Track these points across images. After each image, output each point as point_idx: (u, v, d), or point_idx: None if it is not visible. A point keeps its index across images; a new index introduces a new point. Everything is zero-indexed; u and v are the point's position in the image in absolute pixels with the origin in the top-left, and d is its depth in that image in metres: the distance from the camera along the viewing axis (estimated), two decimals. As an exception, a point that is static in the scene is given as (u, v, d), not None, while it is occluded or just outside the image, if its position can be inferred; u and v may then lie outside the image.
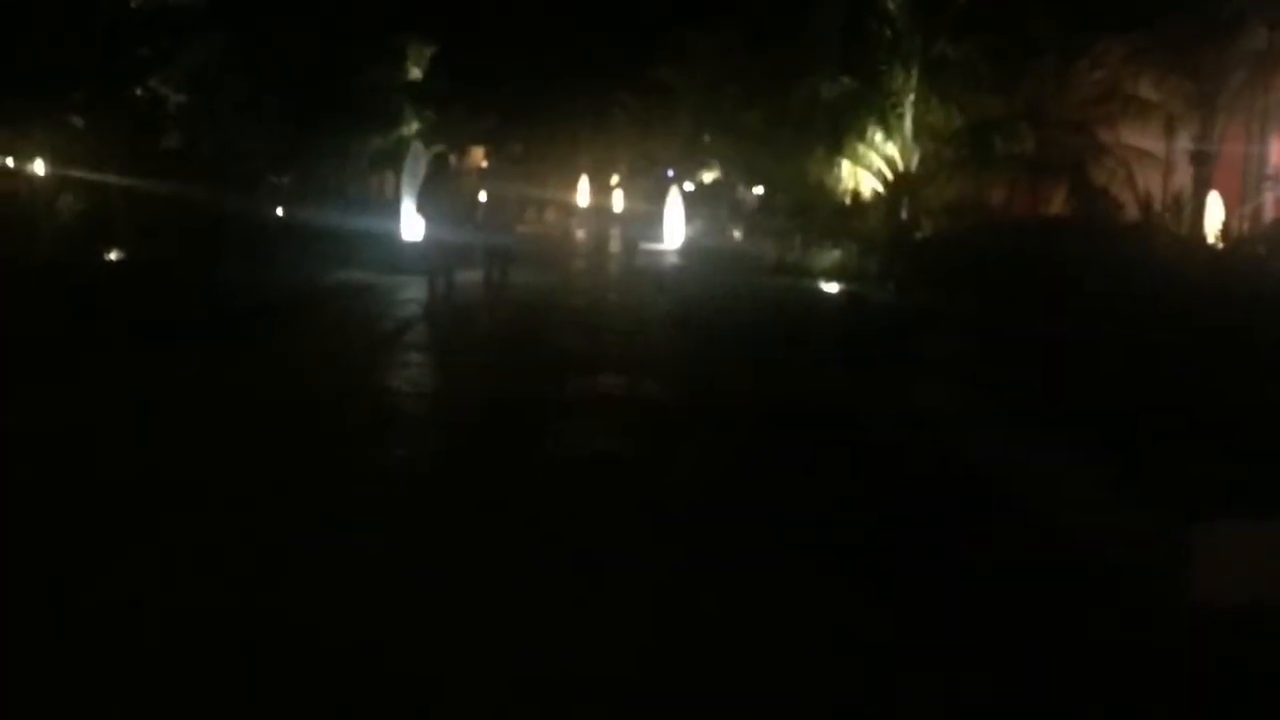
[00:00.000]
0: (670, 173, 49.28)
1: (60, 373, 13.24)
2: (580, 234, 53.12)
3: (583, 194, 67.25)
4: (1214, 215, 25.66)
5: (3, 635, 5.93)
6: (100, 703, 5.35)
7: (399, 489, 9.20)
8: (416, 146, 31.60)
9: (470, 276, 23.32)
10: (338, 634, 6.07)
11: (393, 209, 30.46)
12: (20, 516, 8.02)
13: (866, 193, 30.80)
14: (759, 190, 42.30)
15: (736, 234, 40.12)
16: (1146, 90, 27.57)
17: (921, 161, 29.34)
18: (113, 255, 23.90)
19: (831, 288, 25.41)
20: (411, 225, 26.75)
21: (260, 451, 10.22)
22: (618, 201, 62.56)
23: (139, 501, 8.39)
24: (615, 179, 66.97)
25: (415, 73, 36.01)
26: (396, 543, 7.70)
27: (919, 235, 28.06)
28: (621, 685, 5.62)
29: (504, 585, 6.93)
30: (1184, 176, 27.30)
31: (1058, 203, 28.02)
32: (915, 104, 28.79)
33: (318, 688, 5.51)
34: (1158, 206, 25.47)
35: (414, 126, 35.42)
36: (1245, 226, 25.53)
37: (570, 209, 64.30)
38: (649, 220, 43.52)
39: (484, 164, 55.25)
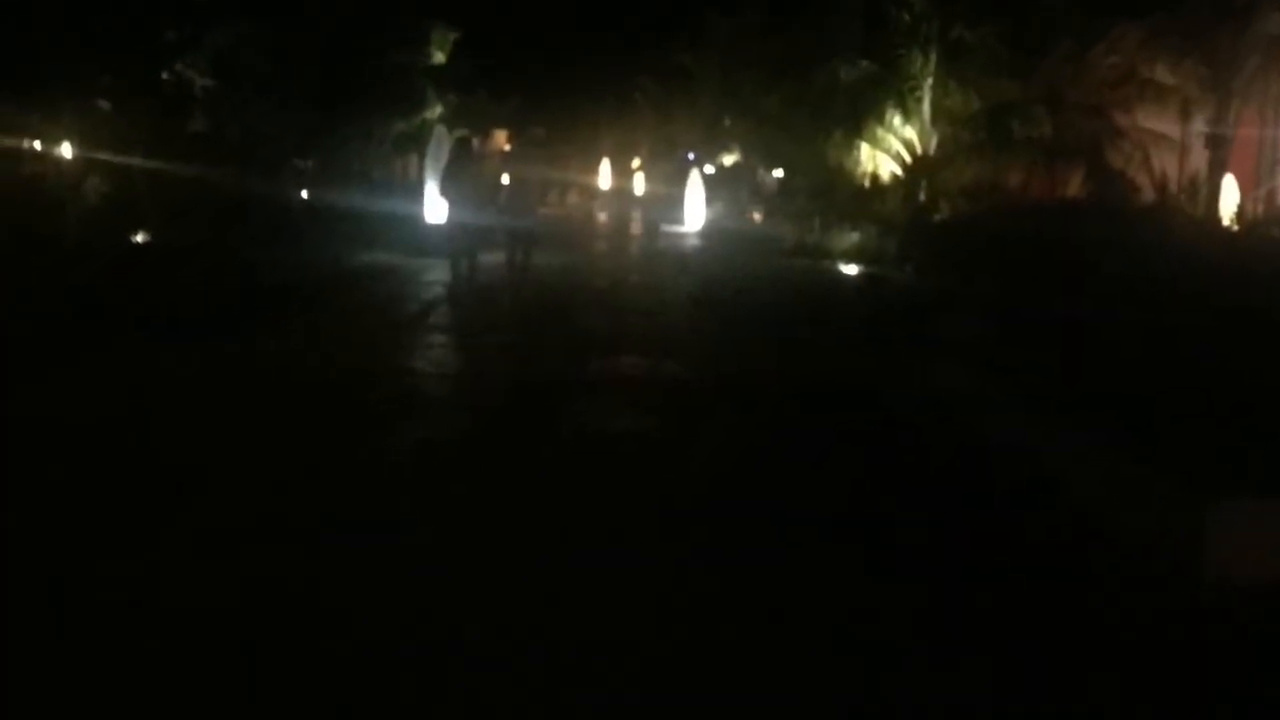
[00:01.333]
0: (691, 156, 49.34)
1: (92, 352, 13.45)
2: (602, 216, 53.02)
3: (604, 177, 67.30)
4: (1229, 198, 25.83)
5: (27, 629, 5.99)
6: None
7: (422, 466, 9.38)
8: (440, 130, 31.76)
9: (493, 258, 23.43)
10: (352, 609, 6.27)
11: (416, 192, 30.63)
12: (60, 487, 8.26)
13: (885, 175, 30.97)
14: (778, 173, 42.48)
15: (756, 216, 40.26)
16: (1162, 74, 27.75)
17: (939, 145, 29.54)
18: (139, 238, 24.14)
19: (850, 269, 25.55)
20: (435, 208, 26.92)
21: (291, 428, 10.44)
22: (639, 184, 62.59)
23: (174, 472, 8.63)
24: (636, 162, 67.02)
25: (439, 57, 36.11)
26: (416, 520, 7.88)
27: (937, 218, 28.19)
28: (639, 666, 5.74)
29: (524, 563, 7.09)
30: (1199, 160, 27.47)
31: (1074, 185, 28.22)
32: (933, 88, 29.00)
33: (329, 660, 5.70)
34: (1174, 189, 25.67)
35: (437, 110, 35.52)
36: (1260, 209, 25.73)
37: (592, 192, 64.29)
38: (670, 203, 43.63)
39: (507, 147, 55.21)
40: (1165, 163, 27.25)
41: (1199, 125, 27.79)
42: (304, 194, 30.73)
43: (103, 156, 24.41)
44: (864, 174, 31.53)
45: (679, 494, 8.78)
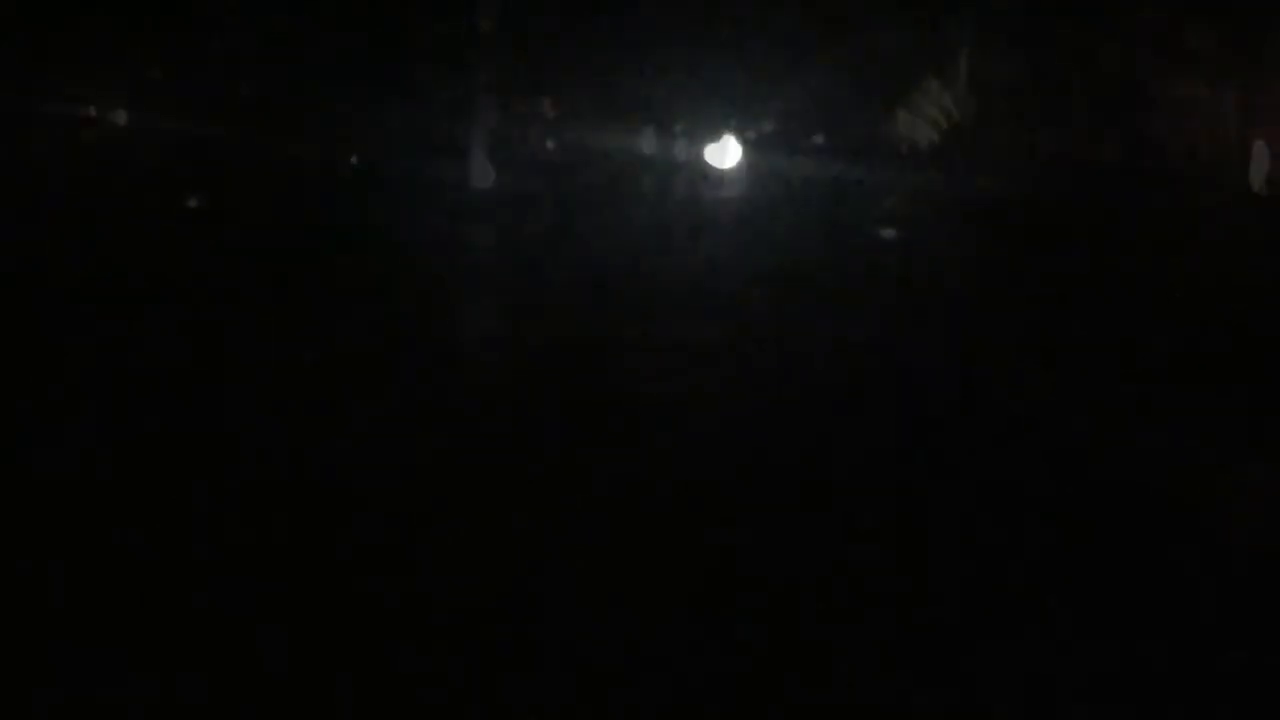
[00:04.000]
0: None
1: (148, 317, 13.93)
2: (645, 180, 52.99)
3: (648, 141, 67.47)
4: (1260, 165, 26.01)
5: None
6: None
7: (464, 423, 9.82)
8: (486, 96, 32.08)
9: (539, 222, 23.60)
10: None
11: (463, 157, 30.95)
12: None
13: (922, 142, 31.22)
14: (817, 139, 42.62)
15: (796, 181, 40.37)
16: (1195, 40, 27.83)
17: (977, 112, 29.72)
18: (192, 203, 24.51)
19: (887, 234, 25.77)
20: (481, 173, 27.28)
21: (345, 384, 10.89)
22: (680, 148, 62.71)
23: (253, 416, 9.09)
24: (678, 126, 67.09)
25: (485, 24, 36.33)
26: (459, 475, 8.38)
27: (975, 183, 28.43)
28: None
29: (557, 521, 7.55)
30: (1231, 126, 27.56)
31: (1109, 151, 28.40)
32: (971, 55, 29.17)
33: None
34: (1205, 156, 25.84)
35: (484, 77, 35.80)
36: (1291, 175, 25.84)
37: (635, 155, 64.37)
38: (710, 167, 43.79)
39: (552, 114, 55.42)
40: (1197, 129, 27.41)
41: (1231, 91, 27.89)
42: (352, 159, 31.07)
43: (153, 124, 24.74)
44: (902, 140, 31.80)
45: (717, 449, 9.21)
